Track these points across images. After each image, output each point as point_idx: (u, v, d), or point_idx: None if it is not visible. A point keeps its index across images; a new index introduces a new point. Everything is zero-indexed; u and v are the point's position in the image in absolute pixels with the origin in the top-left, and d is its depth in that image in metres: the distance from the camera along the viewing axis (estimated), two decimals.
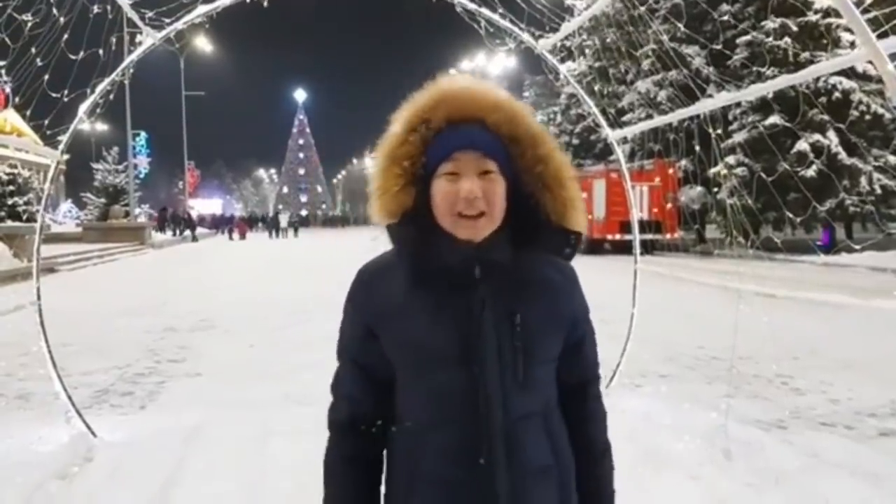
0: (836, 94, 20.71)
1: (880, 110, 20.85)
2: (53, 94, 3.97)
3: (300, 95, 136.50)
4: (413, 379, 1.39)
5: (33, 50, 3.79)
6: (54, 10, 3.76)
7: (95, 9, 4.03)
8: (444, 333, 1.34)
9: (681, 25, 5.81)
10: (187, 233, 42.97)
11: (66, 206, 47.25)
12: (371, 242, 1.51)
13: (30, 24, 3.64)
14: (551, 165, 1.40)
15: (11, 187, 26.35)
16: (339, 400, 1.47)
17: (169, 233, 42.10)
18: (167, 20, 4.37)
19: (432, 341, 1.34)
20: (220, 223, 62.36)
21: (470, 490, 1.33)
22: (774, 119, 18.67)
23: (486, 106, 1.38)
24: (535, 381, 1.38)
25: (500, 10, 4.75)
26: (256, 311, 11.15)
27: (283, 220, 54.07)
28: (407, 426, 1.40)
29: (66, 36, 3.87)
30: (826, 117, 19.27)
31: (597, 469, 1.50)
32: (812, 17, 21.10)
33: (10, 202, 25.68)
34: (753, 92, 4.43)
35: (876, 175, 21.16)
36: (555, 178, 1.40)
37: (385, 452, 1.47)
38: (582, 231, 1.42)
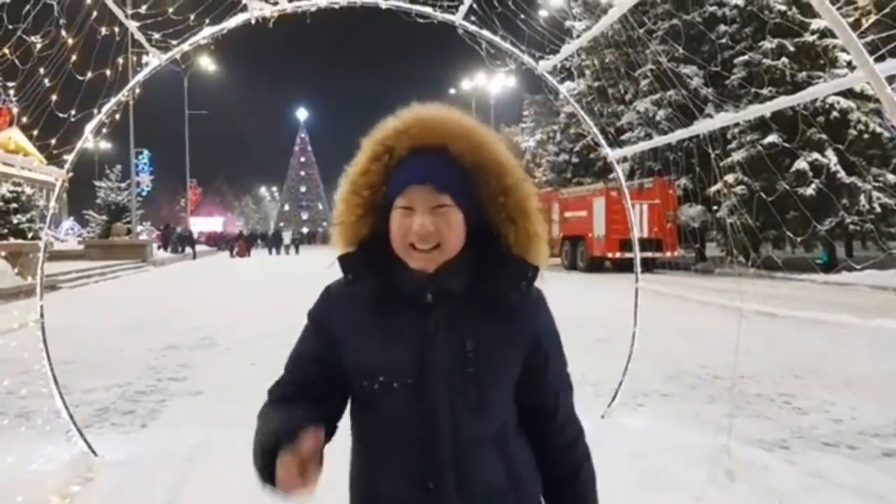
0: (835, 114, 20.85)
1: (878, 129, 20.98)
2: (61, 115, 4.02)
3: (302, 114, 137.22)
4: (368, 400, 1.38)
5: (42, 71, 3.84)
6: (63, 33, 3.81)
7: (103, 30, 4.09)
8: (395, 357, 1.35)
9: (679, 47, 5.88)
10: (188, 250, 43.00)
11: (69, 223, 47.33)
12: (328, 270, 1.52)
13: (39, 46, 3.70)
14: (514, 196, 1.38)
15: (14, 205, 26.47)
16: (278, 385, 1.46)
17: (170, 250, 42.09)
18: (173, 42, 4.42)
19: (384, 364, 1.35)
20: (220, 240, 62.55)
21: None
22: (773, 138, 18.80)
23: (450, 133, 1.37)
24: (489, 405, 1.37)
25: (501, 33, 4.81)
26: (257, 328, 11.12)
27: (287, 237, 54.35)
28: (362, 448, 1.43)
29: (73, 57, 3.92)
30: (824, 136, 19.38)
31: (571, 487, 1.48)
32: (809, 38, 21.29)
33: (13, 220, 25.80)
34: (752, 112, 4.47)
35: (875, 194, 21.22)
36: (518, 210, 1.38)
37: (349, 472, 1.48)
38: (542, 265, 1.41)
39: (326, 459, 1.25)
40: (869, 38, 3.12)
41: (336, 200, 1.45)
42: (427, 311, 1.36)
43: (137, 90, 4.62)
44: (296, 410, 1.33)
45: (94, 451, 4.51)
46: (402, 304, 1.37)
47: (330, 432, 1.39)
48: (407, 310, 1.37)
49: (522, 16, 4.87)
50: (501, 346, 1.38)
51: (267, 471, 1.25)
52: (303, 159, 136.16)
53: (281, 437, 1.23)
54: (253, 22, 4.46)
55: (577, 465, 1.50)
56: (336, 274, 1.48)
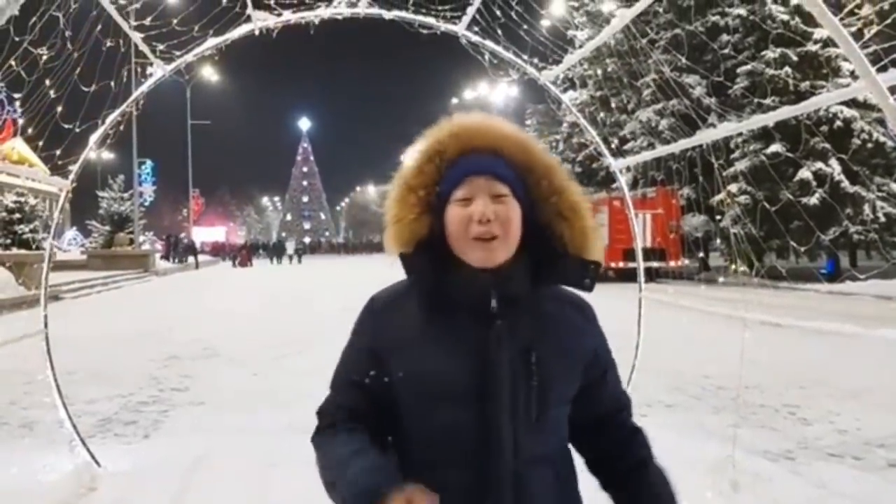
0: (838, 123, 20.86)
1: (882, 138, 20.98)
2: (66, 126, 4.04)
3: (304, 124, 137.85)
4: (422, 413, 1.33)
5: (47, 82, 3.86)
6: (69, 45, 3.84)
7: (108, 42, 4.12)
8: (457, 368, 1.29)
9: (682, 57, 5.89)
10: (191, 259, 43.06)
11: (71, 233, 47.44)
12: (384, 269, 1.47)
13: (44, 58, 3.72)
14: (567, 195, 1.38)
15: (18, 215, 26.55)
16: (328, 412, 1.41)
17: (175, 261, 42.10)
18: (177, 52, 4.45)
19: (444, 375, 1.30)
20: (222, 250, 62.96)
21: None
22: (776, 147, 18.82)
23: (499, 137, 1.38)
24: (549, 422, 1.34)
25: (504, 43, 4.83)
26: (259, 338, 11.14)
27: (290, 247, 55.06)
28: (415, 463, 1.34)
29: (78, 69, 3.95)
30: (828, 146, 19.38)
31: (652, 466, 1.47)
32: (812, 48, 21.33)
33: (16, 229, 25.87)
34: (755, 122, 4.47)
35: (879, 203, 21.20)
36: (571, 208, 1.38)
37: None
38: (600, 261, 1.39)
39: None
40: (871, 49, 3.12)
41: (388, 203, 1.41)
42: (489, 320, 1.31)
43: (141, 101, 4.64)
44: (370, 452, 1.28)
45: (97, 462, 4.51)
46: (461, 310, 1.32)
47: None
48: (466, 317, 1.32)
49: (525, 26, 4.90)
50: (563, 360, 1.36)
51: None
52: (305, 169, 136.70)
53: (381, 481, 1.20)
54: (256, 33, 4.48)
55: (649, 449, 1.49)
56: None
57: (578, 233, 1.37)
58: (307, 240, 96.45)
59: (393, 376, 1.34)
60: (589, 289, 1.39)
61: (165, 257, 41.90)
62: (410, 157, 1.42)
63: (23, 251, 22.48)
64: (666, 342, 8.59)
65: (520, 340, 1.31)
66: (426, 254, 1.34)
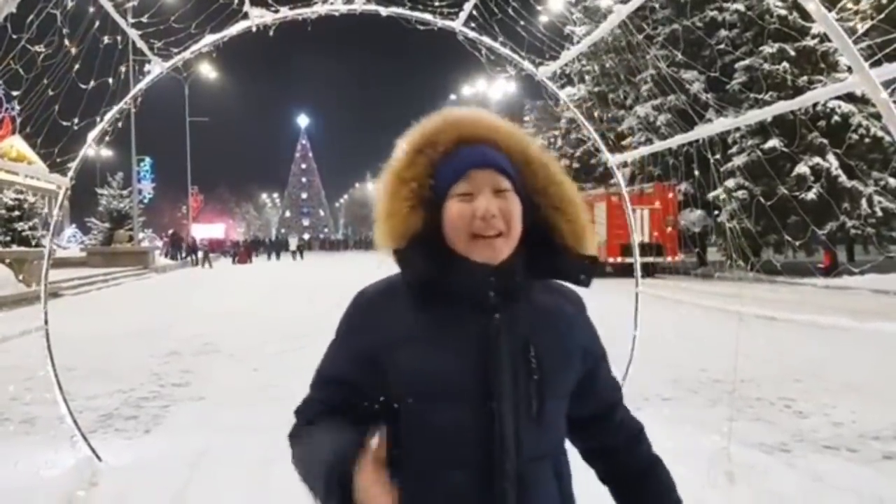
0: (836, 118, 20.86)
1: (880, 133, 20.98)
2: (64, 123, 4.06)
3: (303, 120, 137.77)
4: (423, 413, 1.26)
5: (45, 80, 3.88)
6: (66, 42, 3.85)
7: (106, 39, 4.13)
8: (457, 365, 1.25)
9: (679, 53, 5.90)
10: (190, 257, 43.04)
11: (71, 230, 47.43)
12: (376, 269, 1.45)
13: (42, 56, 3.74)
14: (564, 187, 1.36)
15: (17, 212, 26.57)
16: (305, 411, 1.38)
17: (184, 258, 41.99)
18: (175, 49, 4.46)
19: (445, 373, 1.25)
20: (221, 247, 63.16)
21: None
22: (774, 143, 18.83)
23: (496, 129, 1.35)
24: (548, 418, 1.29)
25: (501, 39, 4.84)
26: (259, 334, 11.17)
27: (293, 243, 55.47)
28: (412, 467, 1.27)
29: (76, 66, 3.96)
30: (825, 140, 19.39)
31: (655, 474, 1.46)
32: (809, 43, 21.33)
33: (16, 227, 25.89)
34: (752, 117, 4.50)
35: (876, 197, 21.23)
36: (568, 201, 1.35)
37: None
38: (596, 256, 1.37)
39: None
40: (865, 44, 3.15)
41: (379, 198, 1.35)
42: (487, 312, 1.27)
43: (139, 98, 4.66)
44: (344, 432, 1.25)
45: (98, 457, 4.54)
46: (458, 305, 1.27)
47: None
48: (464, 312, 1.27)
49: (522, 22, 4.91)
50: (561, 353, 1.32)
51: (336, 494, 1.18)
52: (304, 166, 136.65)
53: (348, 452, 1.18)
54: (254, 29, 4.49)
55: (655, 455, 1.48)
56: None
57: (578, 226, 1.35)
58: (306, 236, 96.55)
59: (390, 375, 1.28)
60: (585, 284, 1.35)
61: (167, 255, 41.83)
62: (399, 149, 1.37)
63: (22, 248, 22.51)
64: (663, 336, 8.62)
65: (518, 334, 1.28)
66: (422, 248, 1.28)
